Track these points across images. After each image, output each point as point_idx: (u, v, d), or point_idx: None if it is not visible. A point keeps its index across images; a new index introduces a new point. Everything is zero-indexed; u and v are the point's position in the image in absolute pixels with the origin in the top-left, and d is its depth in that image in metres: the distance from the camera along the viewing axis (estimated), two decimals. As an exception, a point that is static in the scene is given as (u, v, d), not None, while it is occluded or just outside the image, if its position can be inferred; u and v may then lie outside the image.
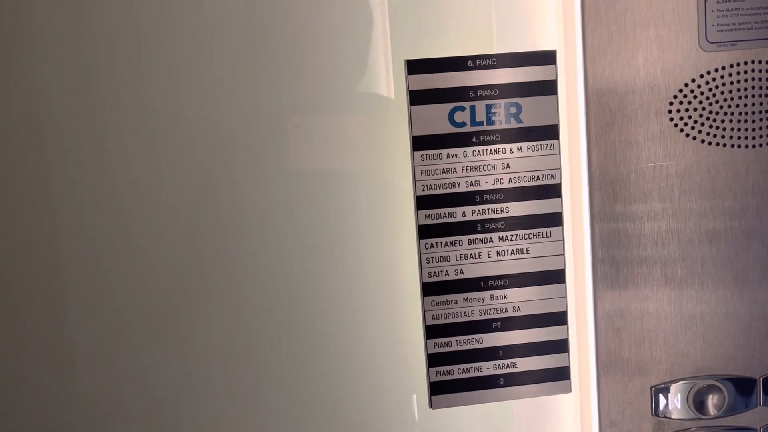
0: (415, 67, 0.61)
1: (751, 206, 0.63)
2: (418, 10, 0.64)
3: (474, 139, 0.62)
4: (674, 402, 0.65)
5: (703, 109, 0.62)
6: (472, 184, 0.63)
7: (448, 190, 0.63)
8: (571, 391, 0.67)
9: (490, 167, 0.63)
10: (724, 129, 0.62)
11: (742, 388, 0.65)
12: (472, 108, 0.62)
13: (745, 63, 0.62)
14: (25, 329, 0.64)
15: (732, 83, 0.62)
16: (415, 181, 0.62)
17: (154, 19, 0.61)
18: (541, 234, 0.64)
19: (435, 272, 0.64)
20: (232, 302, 0.65)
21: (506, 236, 0.64)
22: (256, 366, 0.67)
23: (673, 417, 0.66)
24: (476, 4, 0.64)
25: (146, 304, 0.65)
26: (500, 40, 0.65)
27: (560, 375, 0.66)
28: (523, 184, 0.63)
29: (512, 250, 0.64)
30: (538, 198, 0.64)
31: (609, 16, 0.60)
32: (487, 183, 0.63)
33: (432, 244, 0.63)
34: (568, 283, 0.65)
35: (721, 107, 0.62)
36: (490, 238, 0.64)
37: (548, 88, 0.62)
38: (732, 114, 0.62)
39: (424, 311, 0.64)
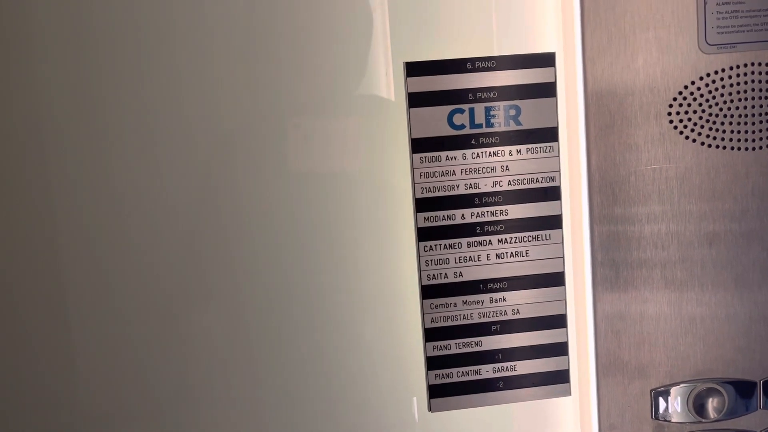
0: (413, 69, 0.61)
1: (751, 209, 0.63)
2: (417, 12, 0.64)
3: (473, 142, 0.62)
4: (674, 405, 0.65)
5: (703, 111, 0.62)
6: (471, 186, 0.63)
7: (447, 193, 0.63)
8: (570, 394, 0.66)
9: (489, 170, 0.63)
10: (724, 131, 0.62)
11: (743, 391, 0.65)
12: (471, 110, 0.62)
13: (745, 65, 0.62)
14: (25, 329, 0.64)
15: (732, 85, 0.62)
16: (414, 183, 0.62)
17: (154, 19, 0.61)
18: (540, 236, 0.64)
19: (434, 275, 0.63)
20: (232, 302, 0.66)
21: (505, 239, 0.64)
22: (256, 367, 0.67)
23: (673, 420, 0.66)
24: (476, 6, 0.64)
25: (146, 304, 0.65)
26: (499, 42, 0.64)
27: (560, 378, 0.66)
28: (522, 186, 0.63)
29: (511, 252, 0.64)
30: (537, 200, 0.63)
31: (608, 18, 0.60)
32: (486, 185, 0.63)
33: (431, 246, 0.63)
34: (568, 286, 0.65)
35: (721, 109, 0.62)
36: (490, 240, 0.63)
37: (547, 90, 0.62)
38: (732, 116, 0.62)
39: (423, 314, 0.64)
